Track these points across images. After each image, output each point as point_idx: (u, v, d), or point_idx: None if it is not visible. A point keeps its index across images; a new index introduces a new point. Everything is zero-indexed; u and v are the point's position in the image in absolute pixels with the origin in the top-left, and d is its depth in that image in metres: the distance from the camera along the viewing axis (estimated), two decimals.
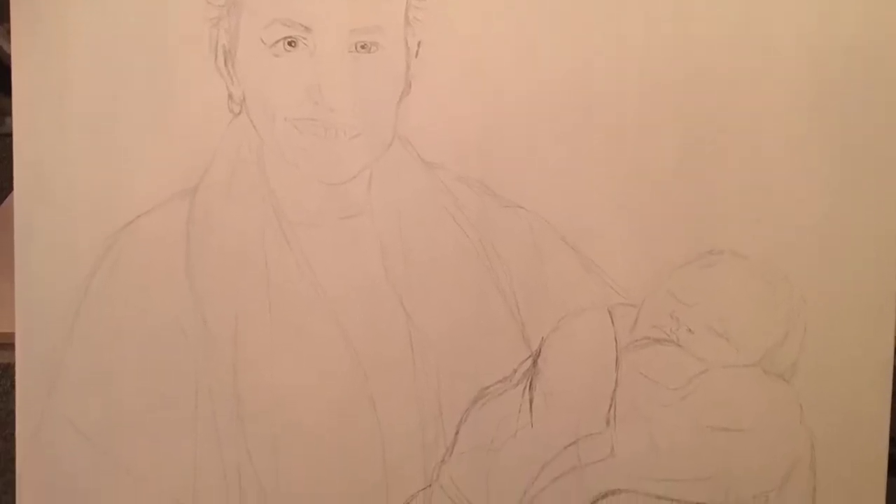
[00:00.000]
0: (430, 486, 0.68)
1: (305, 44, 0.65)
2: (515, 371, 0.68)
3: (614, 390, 0.68)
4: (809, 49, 0.66)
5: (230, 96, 0.66)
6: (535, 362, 0.68)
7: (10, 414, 0.67)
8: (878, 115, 0.67)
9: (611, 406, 0.68)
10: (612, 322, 0.68)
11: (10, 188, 0.67)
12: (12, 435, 0.68)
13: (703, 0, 0.66)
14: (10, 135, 0.66)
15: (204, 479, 0.68)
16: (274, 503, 0.68)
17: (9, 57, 0.65)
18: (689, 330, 0.68)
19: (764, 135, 0.67)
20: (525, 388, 0.68)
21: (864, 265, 0.67)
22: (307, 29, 0.65)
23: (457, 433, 0.68)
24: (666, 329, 0.68)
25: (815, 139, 0.67)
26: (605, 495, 0.69)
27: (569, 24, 0.66)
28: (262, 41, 0.65)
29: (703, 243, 0.67)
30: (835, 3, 0.66)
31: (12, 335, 0.68)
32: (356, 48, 0.65)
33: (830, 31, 0.66)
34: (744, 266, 0.68)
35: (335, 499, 0.69)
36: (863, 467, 0.68)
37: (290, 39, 0.65)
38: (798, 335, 0.68)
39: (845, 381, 0.68)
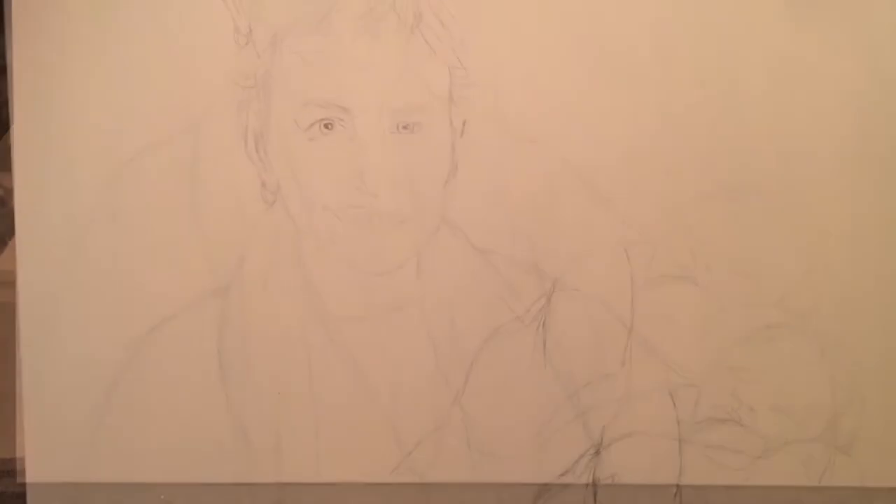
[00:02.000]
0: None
1: (343, 126, 0.61)
2: (577, 462, 0.64)
3: (679, 475, 0.65)
4: (859, 109, 0.66)
5: (263, 184, 0.61)
6: (597, 452, 0.65)
7: None
8: None
9: (676, 494, 0.65)
10: (674, 405, 0.65)
11: None
12: None
13: (749, 55, 0.64)
14: None
15: None
16: None
17: None
18: (751, 408, 0.66)
19: (815, 197, 0.66)
20: (590, 478, 0.65)
21: None
22: (345, 110, 0.60)
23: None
24: (728, 408, 0.66)
25: (872, 205, 0.66)
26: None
27: (616, 95, 0.64)
28: (297, 124, 0.61)
29: (760, 318, 0.65)
30: (877, 61, 0.66)
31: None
32: (398, 129, 0.61)
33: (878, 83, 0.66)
34: (801, 338, 0.66)
35: None
36: None
37: (326, 122, 0.60)
38: (857, 406, 0.67)
39: None
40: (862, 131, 0.66)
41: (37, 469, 0.60)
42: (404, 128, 0.61)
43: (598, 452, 0.65)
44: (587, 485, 0.64)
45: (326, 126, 0.61)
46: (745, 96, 0.64)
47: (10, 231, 0.60)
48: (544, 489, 0.64)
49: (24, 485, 0.59)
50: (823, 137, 0.66)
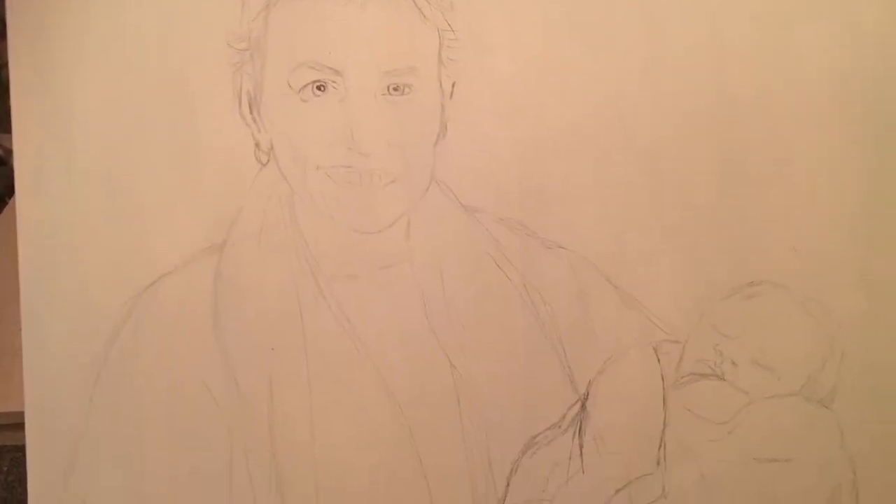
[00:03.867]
0: None
1: (335, 88, 0.62)
2: (564, 416, 0.66)
3: (663, 429, 0.67)
4: (845, 70, 0.67)
5: (257, 145, 0.63)
6: (583, 406, 0.66)
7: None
8: None
9: (660, 446, 0.67)
10: (658, 359, 0.67)
11: None
12: None
13: (738, 26, 0.66)
14: None
15: None
16: None
17: None
18: (733, 363, 0.68)
19: (799, 163, 0.68)
20: (575, 433, 0.66)
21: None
22: (337, 72, 0.62)
23: (508, 485, 0.66)
24: (710, 363, 0.67)
25: (850, 166, 0.68)
26: None
27: (604, 57, 0.65)
28: (289, 86, 0.62)
29: (743, 274, 0.68)
30: (858, 26, 0.68)
31: (18, 414, 0.62)
32: (389, 91, 0.63)
33: (858, 53, 0.68)
34: (783, 295, 0.68)
35: None
36: None
37: (318, 84, 0.62)
38: (836, 361, 0.69)
39: (883, 405, 0.69)
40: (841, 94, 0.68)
41: (36, 422, 0.61)
42: (395, 90, 0.63)
43: (583, 406, 0.66)
44: (573, 437, 0.66)
45: (319, 88, 0.62)
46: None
47: (9, 191, 0.61)
48: (532, 441, 0.66)
49: None
50: (801, 105, 0.68)
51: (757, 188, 0.67)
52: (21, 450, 0.61)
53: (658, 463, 0.67)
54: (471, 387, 0.65)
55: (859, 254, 0.68)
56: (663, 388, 0.67)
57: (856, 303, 0.68)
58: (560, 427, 0.66)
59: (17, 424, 0.62)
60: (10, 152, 0.61)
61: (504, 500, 0.66)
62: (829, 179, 0.68)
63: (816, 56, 0.67)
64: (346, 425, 0.64)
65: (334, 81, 0.62)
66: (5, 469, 0.65)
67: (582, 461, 0.66)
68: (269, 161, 0.63)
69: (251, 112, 0.62)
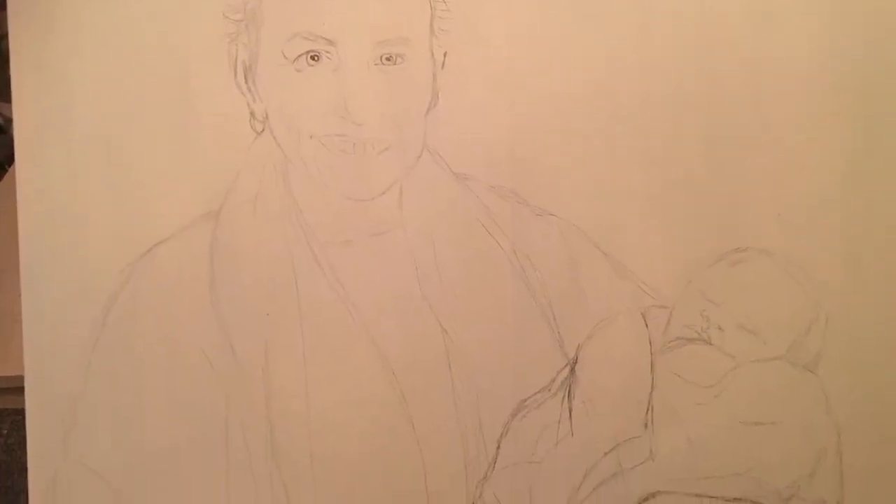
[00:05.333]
0: None
1: (329, 58, 0.63)
2: (554, 380, 0.68)
3: (650, 393, 0.68)
4: (829, 39, 0.69)
5: (252, 114, 0.64)
6: (572, 370, 0.68)
7: (21, 467, 0.62)
8: (892, 114, 0.70)
9: (648, 409, 0.68)
10: (646, 325, 0.69)
11: None
12: (23, 491, 0.62)
13: (722, 2, 0.68)
14: None
15: None
16: None
17: None
18: (719, 328, 0.69)
19: (784, 131, 0.69)
20: (564, 396, 0.68)
21: (883, 256, 0.70)
22: (330, 42, 0.63)
23: (498, 447, 0.67)
24: (697, 328, 0.69)
25: (835, 133, 0.70)
26: (645, 498, 0.69)
27: (594, 29, 0.67)
28: (284, 56, 0.63)
29: (730, 241, 0.69)
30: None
31: (17, 378, 0.63)
32: (381, 61, 0.64)
33: (845, 22, 0.69)
34: (768, 261, 0.70)
35: None
36: (888, 453, 0.71)
37: (312, 53, 0.63)
38: (820, 326, 0.70)
39: (868, 369, 0.70)
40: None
41: (36, 386, 0.62)
42: (387, 60, 0.64)
43: (572, 371, 0.68)
44: (563, 400, 0.68)
45: (313, 58, 0.63)
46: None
47: (9, 159, 0.63)
48: (521, 405, 0.67)
49: None
50: (786, 74, 0.69)
51: (743, 156, 0.69)
52: (21, 413, 0.62)
53: (646, 426, 0.68)
54: (462, 352, 0.66)
55: (844, 220, 0.70)
56: (651, 353, 0.69)
57: (840, 269, 0.70)
58: (549, 391, 0.68)
59: (17, 388, 0.63)
60: (10, 121, 0.62)
61: (494, 463, 0.67)
62: (814, 147, 0.69)
63: (802, 26, 0.69)
64: (340, 390, 0.65)
65: (328, 51, 0.63)
66: (5, 432, 0.66)
67: (571, 424, 0.68)
68: (263, 130, 0.64)
69: (246, 82, 0.64)
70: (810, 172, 0.69)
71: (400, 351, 0.66)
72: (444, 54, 0.65)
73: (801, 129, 0.69)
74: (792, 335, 0.70)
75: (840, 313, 0.70)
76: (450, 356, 0.66)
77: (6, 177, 0.63)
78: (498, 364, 0.67)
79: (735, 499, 0.70)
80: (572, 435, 0.68)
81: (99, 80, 0.63)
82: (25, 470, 0.62)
